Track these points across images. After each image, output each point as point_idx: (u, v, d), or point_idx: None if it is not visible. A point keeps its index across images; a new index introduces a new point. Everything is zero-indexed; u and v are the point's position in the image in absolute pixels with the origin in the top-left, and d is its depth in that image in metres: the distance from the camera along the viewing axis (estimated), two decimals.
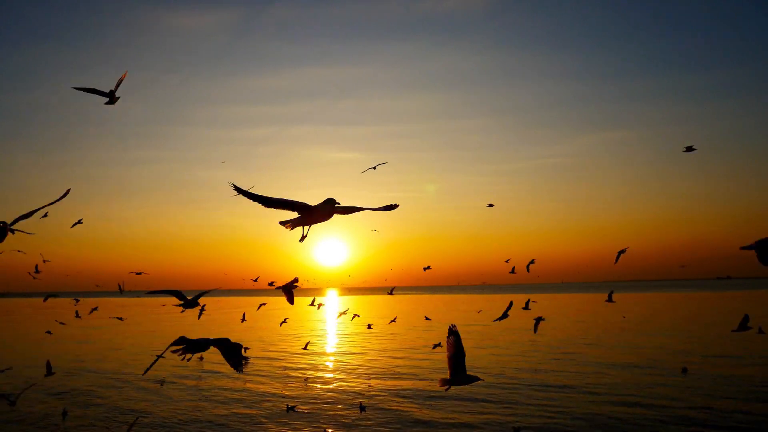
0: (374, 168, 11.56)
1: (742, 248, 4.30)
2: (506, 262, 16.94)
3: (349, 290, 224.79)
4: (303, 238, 3.70)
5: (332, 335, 33.98)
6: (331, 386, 16.58)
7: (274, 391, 15.83)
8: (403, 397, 14.76)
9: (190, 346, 4.14)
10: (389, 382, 16.82)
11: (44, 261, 20.29)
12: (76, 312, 25.89)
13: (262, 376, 18.30)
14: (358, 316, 27.10)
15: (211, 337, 4.21)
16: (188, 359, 4.50)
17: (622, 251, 16.07)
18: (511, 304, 10.17)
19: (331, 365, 21.00)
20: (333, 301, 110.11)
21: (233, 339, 4.20)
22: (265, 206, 3.44)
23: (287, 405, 13.70)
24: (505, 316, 10.56)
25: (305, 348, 22.41)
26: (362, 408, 13.42)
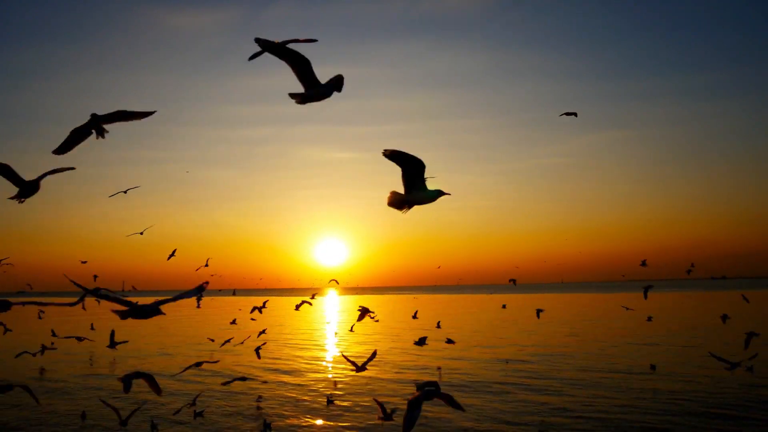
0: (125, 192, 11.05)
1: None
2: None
3: (349, 290, 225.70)
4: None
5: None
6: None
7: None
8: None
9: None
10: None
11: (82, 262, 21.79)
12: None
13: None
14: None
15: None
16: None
17: (648, 287, 17.17)
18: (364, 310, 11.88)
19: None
20: (332, 301, 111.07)
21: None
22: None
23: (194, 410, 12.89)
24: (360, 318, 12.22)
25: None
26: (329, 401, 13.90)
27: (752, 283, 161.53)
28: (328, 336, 34.63)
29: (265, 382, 17.78)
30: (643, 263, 18.94)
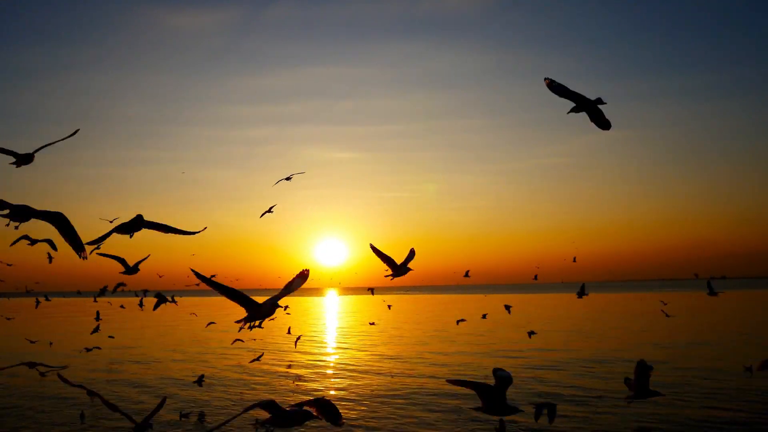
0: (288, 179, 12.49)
1: None
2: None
3: (349, 290, 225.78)
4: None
5: None
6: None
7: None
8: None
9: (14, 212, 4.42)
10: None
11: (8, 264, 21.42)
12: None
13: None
14: None
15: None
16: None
17: (532, 332, 18.92)
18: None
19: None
20: (332, 302, 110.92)
21: None
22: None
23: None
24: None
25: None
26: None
27: (752, 283, 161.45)
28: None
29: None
30: (466, 274, 21.33)
